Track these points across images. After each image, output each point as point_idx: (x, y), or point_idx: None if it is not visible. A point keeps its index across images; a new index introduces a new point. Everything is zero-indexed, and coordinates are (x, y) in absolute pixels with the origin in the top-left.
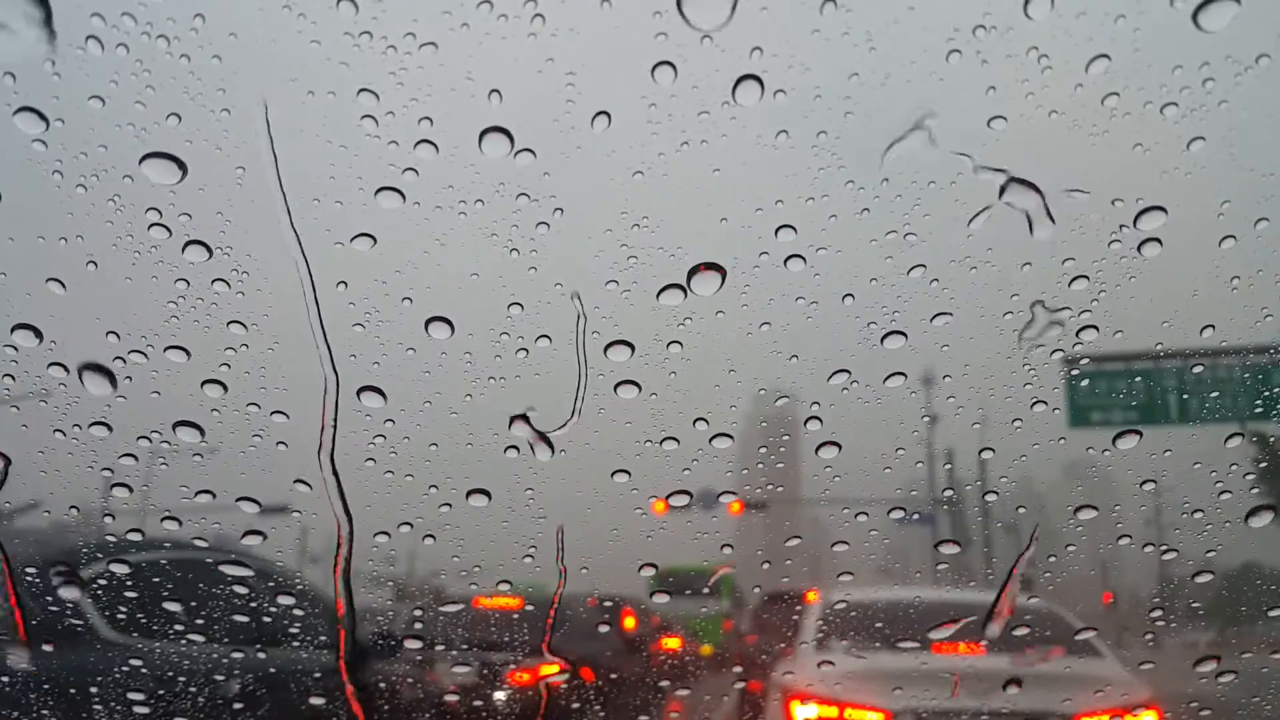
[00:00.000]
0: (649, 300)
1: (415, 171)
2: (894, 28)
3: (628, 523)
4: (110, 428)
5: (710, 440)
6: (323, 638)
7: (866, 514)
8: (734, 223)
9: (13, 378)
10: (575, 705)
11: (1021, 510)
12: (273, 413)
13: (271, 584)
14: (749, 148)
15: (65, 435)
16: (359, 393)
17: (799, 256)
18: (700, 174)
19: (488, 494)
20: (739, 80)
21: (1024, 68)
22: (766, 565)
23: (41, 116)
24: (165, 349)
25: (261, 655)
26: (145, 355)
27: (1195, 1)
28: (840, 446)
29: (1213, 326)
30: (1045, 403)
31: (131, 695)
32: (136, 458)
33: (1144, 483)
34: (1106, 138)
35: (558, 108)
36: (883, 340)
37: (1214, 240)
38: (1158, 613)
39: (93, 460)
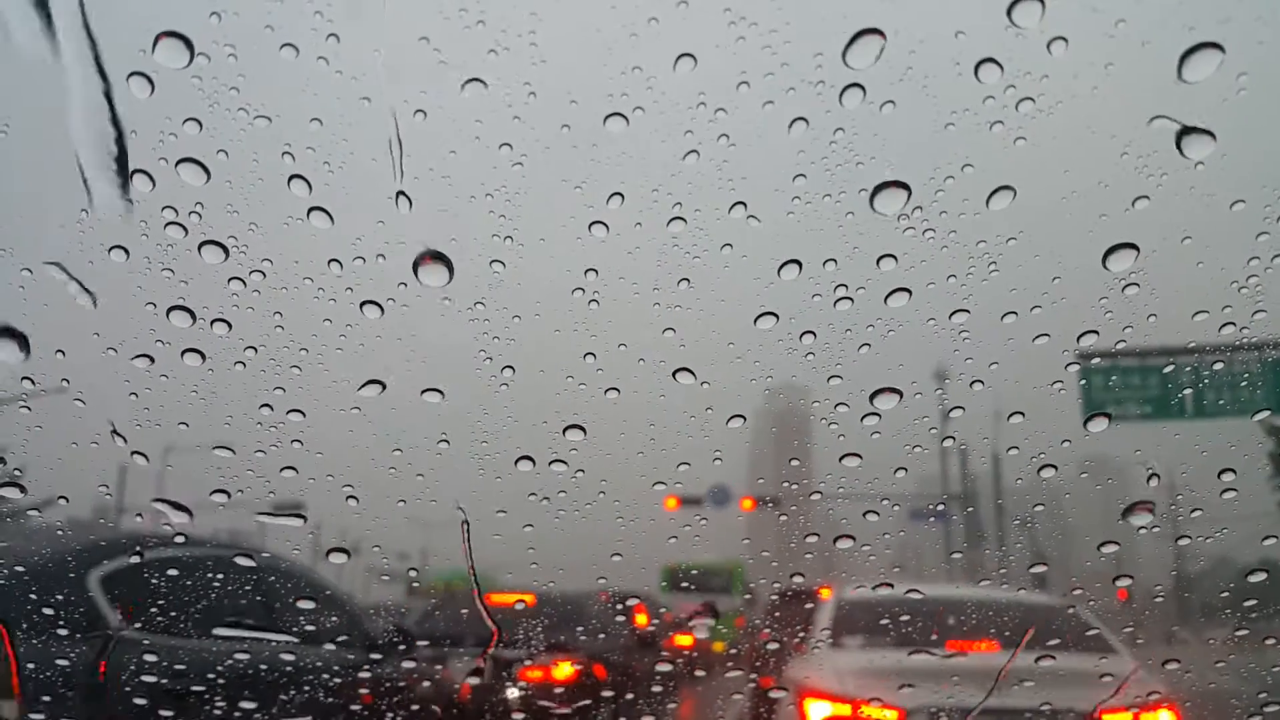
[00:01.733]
0: (665, 297)
1: (425, 173)
2: (917, 23)
3: (641, 520)
4: (125, 430)
5: (724, 436)
6: (339, 633)
7: (879, 511)
8: (751, 219)
9: (32, 381)
10: (588, 701)
11: (1039, 507)
12: (289, 411)
13: (286, 581)
14: (767, 144)
15: (84, 437)
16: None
17: (815, 254)
18: (717, 172)
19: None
20: (755, 77)
21: (1046, 64)
22: (777, 563)
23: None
24: (183, 352)
25: (278, 651)
26: (152, 359)
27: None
28: (855, 443)
29: (1233, 324)
30: (1060, 399)
31: (147, 691)
32: (148, 457)
33: (1150, 476)
34: (1124, 134)
35: (568, 110)
36: (898, 335)
37: (1230, 237)
38: (1174, 609)
39: (110, 458)
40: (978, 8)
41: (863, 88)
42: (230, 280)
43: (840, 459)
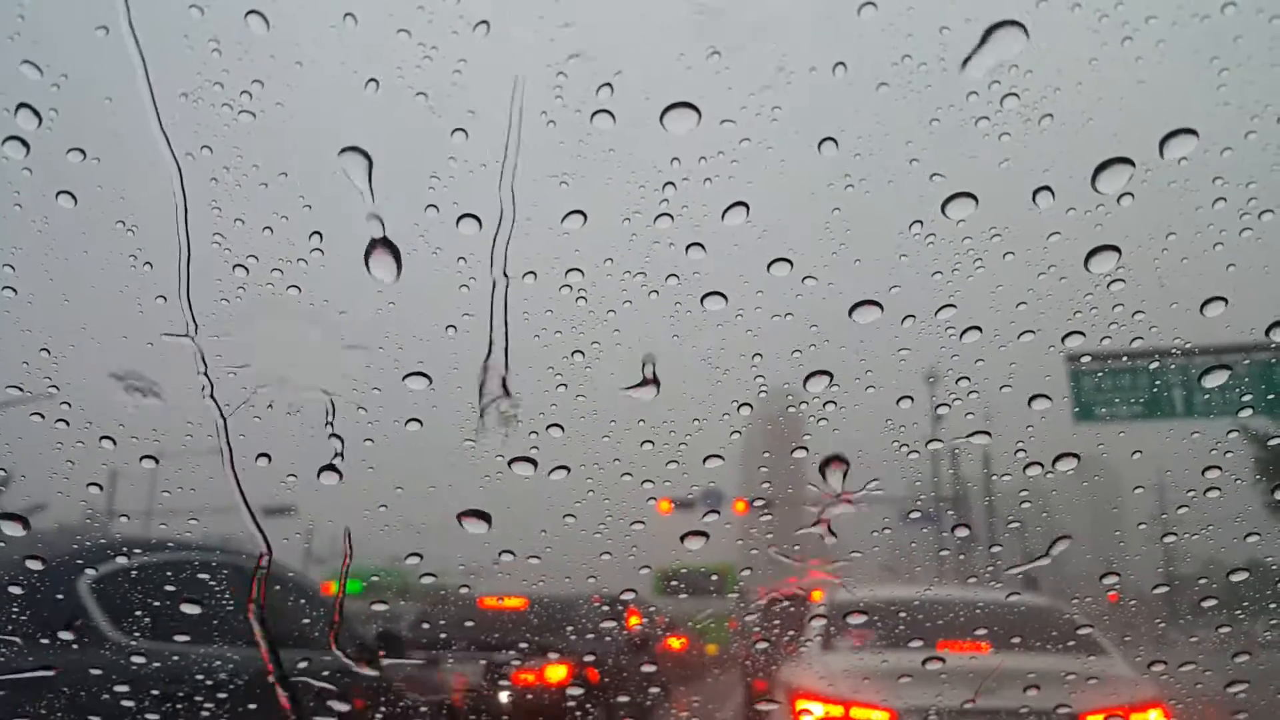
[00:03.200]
0: (660, 301)
1: (435, 172)
2: (901, 20)
3: (633, 523)
4: (115, 437)
5: (716, 438)
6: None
7: (870, 514)
8: (740, 215)
9: (20, 389)
10: (579, 705)
11: (1026, 505)
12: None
13: (276, 585)
14: (754, 140)
15: (70, 439)
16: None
17: (805, 249)
18: (705, 167)
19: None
20: (741, 72)
21: (1030, 59)
22: (774, 565)
23: (35, 112)
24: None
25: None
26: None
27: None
28: (846, 447)
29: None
30: (1049, 398)
31: (135, 695)
32: (159, 460)
33: (1135, 487)
34: (1108, 130)
35: (579, 102)
36: (886, 333)
37: (1216, 237)
38: (1163, 609)
39: (97, 462)
40: (960, 5)
41: (849, 84)
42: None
43: (828, 461)
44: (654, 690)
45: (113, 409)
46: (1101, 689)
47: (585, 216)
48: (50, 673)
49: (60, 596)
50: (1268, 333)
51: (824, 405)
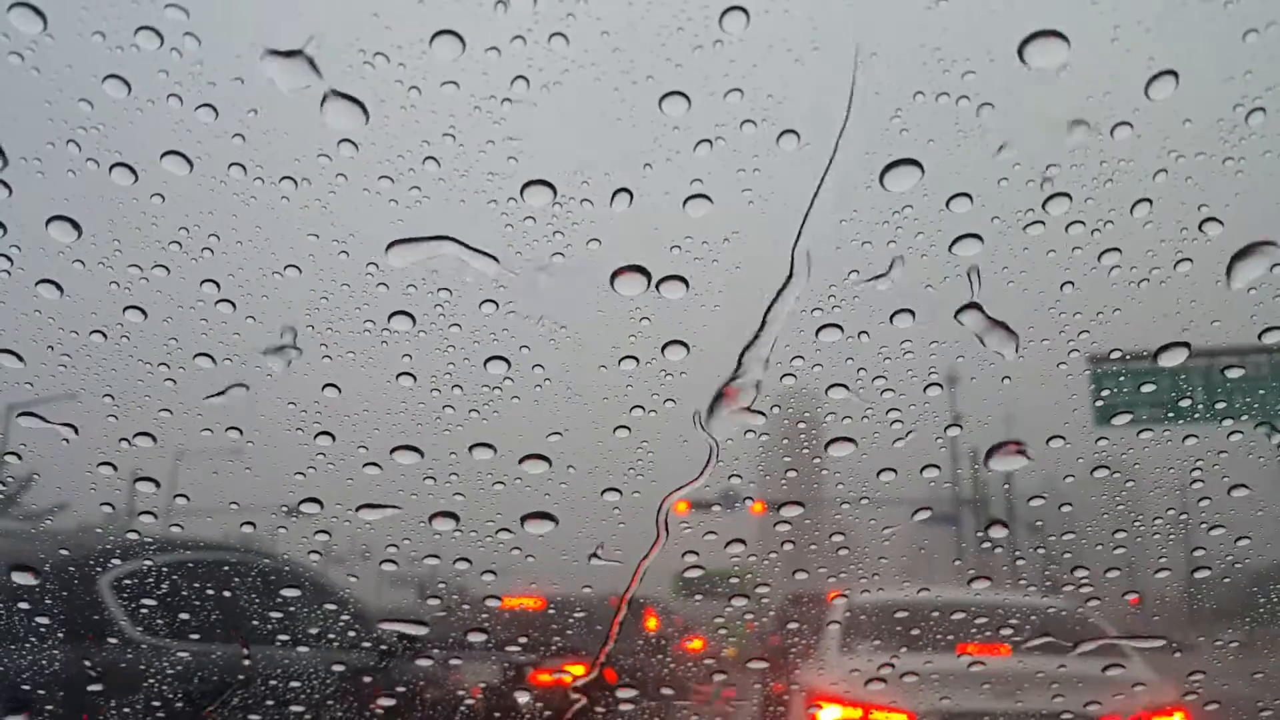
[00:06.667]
0: (665, 299)
1: (442, 166)
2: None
3: (649, 524)
4: (145, 433)
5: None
6: (349, 637)
7: (889, 515)
8: (753, 208)
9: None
10: (595, 705)
11: (1047, 507)
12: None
13: (297, 586)
14: (772, 147)
15: (92, 437)
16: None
17: (824, 254)
18: (722, 164)
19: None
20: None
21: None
22: (791, 566)
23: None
24: (195, 355)
25: (289, 655)
26: (168, 365)
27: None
28: (864, 447)
29: (1276, 329)
30: (1071, 400)
31: (157, 696)
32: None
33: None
34: (1146, 140)
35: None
36: (900, 333)
37: (1243, 239)
38: (1186, 614)
39: (119, 461)
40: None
41: (866, 101)
42: (203, 284)
43: (850, 464)
44: (670, 691)
45: (132, 410)
46: (1123, 693)
47: (603, 217)
48: (73, 673)
49: (81, 597)
50: None
51: (843, 406)
